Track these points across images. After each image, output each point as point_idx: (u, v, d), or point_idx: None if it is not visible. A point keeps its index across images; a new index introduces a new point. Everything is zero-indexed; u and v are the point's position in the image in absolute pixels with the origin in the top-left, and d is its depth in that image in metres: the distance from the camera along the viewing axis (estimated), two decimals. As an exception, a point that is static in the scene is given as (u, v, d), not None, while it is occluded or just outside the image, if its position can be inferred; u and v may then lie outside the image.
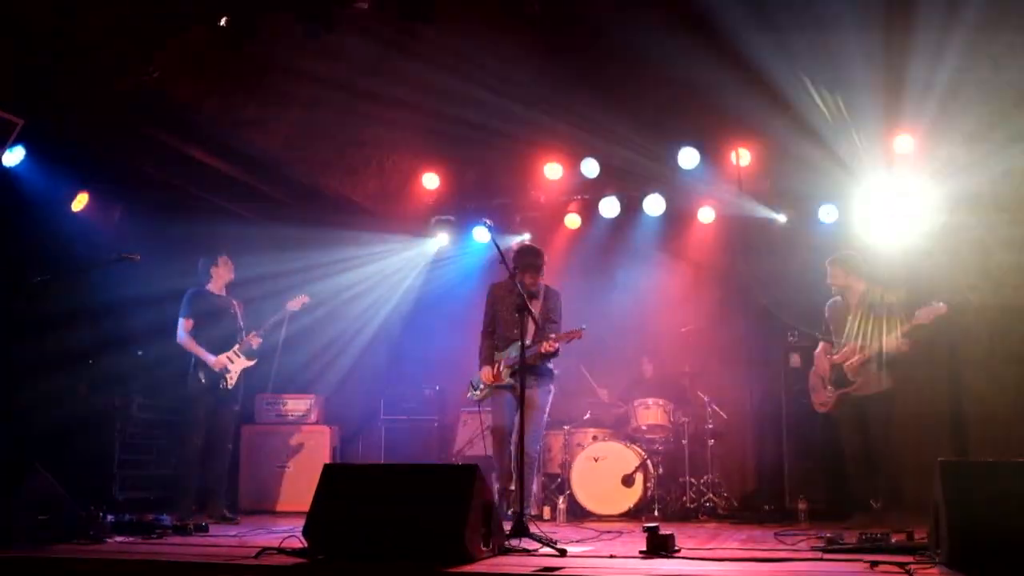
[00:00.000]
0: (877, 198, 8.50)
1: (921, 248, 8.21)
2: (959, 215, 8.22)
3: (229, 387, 7.58)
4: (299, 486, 8.42)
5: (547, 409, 6.79)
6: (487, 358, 6.88)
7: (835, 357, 7.08)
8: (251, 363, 7.79)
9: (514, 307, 6.13)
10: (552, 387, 6.83)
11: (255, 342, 7.75)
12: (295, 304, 7.96)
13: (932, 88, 7.49)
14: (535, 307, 6.55)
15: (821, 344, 7.31)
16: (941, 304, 6.70)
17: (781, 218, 9.10)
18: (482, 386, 6.80)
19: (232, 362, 7.61)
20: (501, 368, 6.70)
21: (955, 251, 8.26)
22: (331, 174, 9.00)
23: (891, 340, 6.82)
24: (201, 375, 7.50)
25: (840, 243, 8.33)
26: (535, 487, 6.97)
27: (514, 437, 6.40)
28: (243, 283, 8.04)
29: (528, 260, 6.69)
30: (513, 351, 6.45)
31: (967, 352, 8.38)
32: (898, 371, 7.00)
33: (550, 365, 6.81)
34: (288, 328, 8.16)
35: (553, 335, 6.48)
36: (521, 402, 6.04)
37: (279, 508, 8.61)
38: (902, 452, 7.31)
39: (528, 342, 6.29)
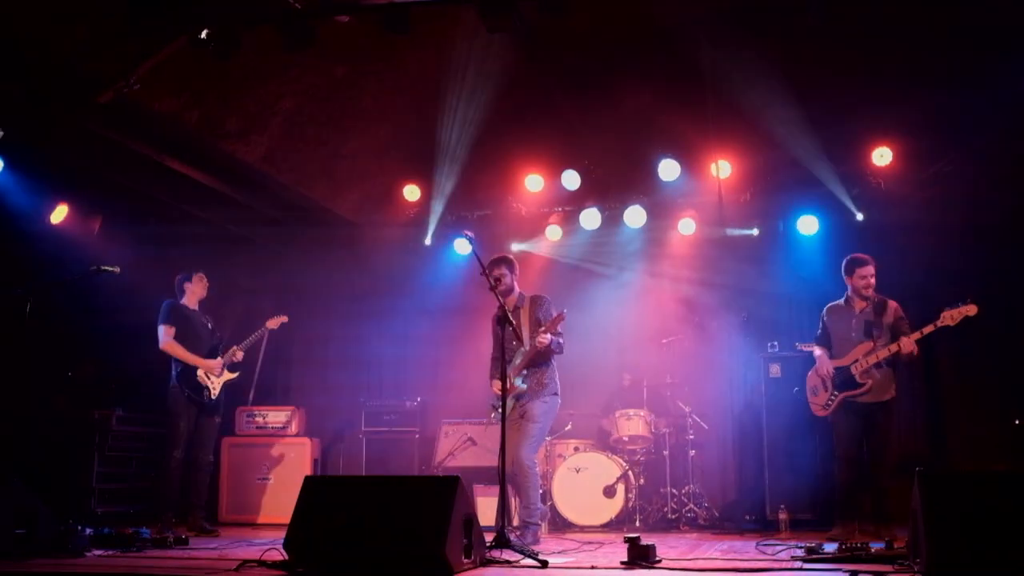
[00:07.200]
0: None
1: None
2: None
3: (212, 398, 7.57)
4: (280, 498, 8.41)
5: (546, 421, 6.60)
6: (494, 374, 6.74)
7: (843, 359, 6.78)
8: (233, 376, 7.80)
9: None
10: (548, 398, 6.59)
11: (238, 356, 7.76)
12: (274, 323, 8.03)
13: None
14: (523, 316, 6.59)
15: (819, 347, 7.02)
16: (971, 304, 6.33)
17: (756, 231, 9.19)
18: (500, 403, 6.54)
19: (217, 373, 7.61)
20: (513, 378, 6.59)
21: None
22: (313, 186, 8.99)
23: (907, 342, 6.49)
24: (184, 387, 7.46)
25: (818, 254, 8.44)
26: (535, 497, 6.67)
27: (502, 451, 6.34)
28: (223, 295, 8.01)
29: (492, 274, 6.53)
30: (517, 358, 6.54)
31: (944, 361, 8.45)
32: (900, 378, 6.89)
33: (554, 379, 6.64)
34: (268, 341, 8.15)
35: (542, 328, 6.40)
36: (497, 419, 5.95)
37: (260, 520, 8.58)
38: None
39: (527, 347, 6.47)
